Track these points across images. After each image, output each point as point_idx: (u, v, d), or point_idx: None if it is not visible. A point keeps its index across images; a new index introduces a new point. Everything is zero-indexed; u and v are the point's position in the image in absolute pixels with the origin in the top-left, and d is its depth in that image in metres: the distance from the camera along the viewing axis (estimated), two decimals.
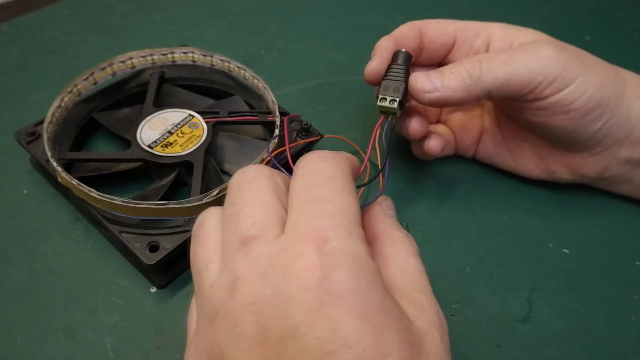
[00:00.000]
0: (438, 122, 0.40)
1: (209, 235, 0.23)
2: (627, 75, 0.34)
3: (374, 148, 0.31)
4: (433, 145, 0.35)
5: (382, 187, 0.29)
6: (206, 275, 0.22)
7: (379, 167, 0.30)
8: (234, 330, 0.20)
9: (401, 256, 0.24)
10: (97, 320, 0.30)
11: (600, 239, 0.36)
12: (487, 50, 0.36)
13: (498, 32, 0.35)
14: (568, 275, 0.34)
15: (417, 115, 0.34)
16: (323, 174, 0.23)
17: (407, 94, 0.32)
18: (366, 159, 0.29)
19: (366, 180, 0.30)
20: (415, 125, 0.34)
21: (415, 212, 0.37)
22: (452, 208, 0.37)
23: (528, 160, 0.37)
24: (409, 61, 0.33)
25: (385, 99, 0.32)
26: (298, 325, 0.19)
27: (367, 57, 0.37)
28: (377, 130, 0.31)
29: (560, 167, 0.36)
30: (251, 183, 0.23)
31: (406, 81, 0.32)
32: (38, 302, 0.31)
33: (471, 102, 0.34)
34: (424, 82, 0.32)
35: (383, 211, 0.27)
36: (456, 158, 0.40)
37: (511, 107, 0.36)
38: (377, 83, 0.33)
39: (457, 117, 0.39)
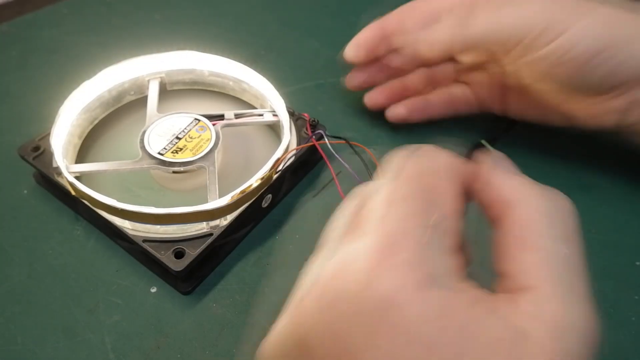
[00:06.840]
0: (456, 81, 0.40)
1: None
2: None
3: None
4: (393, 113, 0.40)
5: None
6: None
7: None
8: None
9: (545, 244, 0.19)
10: (97, 320, 0.30)
11: (600, 239, 0.36)
12: None
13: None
14: None
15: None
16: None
17: None
18: None
19: None
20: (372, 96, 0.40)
21: None
22: None
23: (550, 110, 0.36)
24: None
25: None
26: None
27: None
28: None
29: (580, 112, 0.34)
30: None
31: None
32: (38, 302, 0.31)
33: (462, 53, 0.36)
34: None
35: (498, 171, 0.21)
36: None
37: (511, 76, 0.35)
38: None
39: (476, 76, 0.39)
